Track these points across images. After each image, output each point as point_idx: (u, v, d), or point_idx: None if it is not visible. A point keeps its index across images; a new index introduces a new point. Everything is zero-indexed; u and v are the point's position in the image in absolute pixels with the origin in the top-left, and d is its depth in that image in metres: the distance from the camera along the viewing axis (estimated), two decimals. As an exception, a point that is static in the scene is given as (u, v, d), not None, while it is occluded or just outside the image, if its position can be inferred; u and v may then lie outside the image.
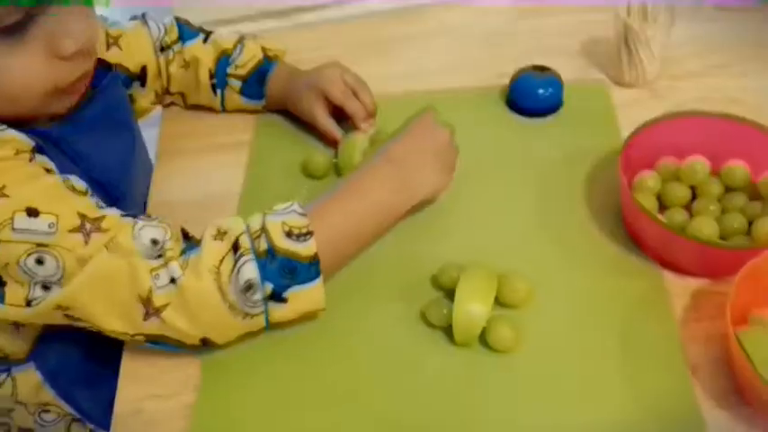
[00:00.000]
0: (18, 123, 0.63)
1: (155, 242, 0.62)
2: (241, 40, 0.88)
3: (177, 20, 0.90)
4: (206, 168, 0.85)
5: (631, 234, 0.72)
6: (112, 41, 0.83)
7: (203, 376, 0.66)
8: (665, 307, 0.67)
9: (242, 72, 0.87)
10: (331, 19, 1.08)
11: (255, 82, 0.87)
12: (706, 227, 0.68)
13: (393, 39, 1.00)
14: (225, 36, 0.88)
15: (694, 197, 0.73)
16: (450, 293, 0.66)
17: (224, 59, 0.87)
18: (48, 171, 0.63)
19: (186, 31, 0.89)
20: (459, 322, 0.64)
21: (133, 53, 0.85)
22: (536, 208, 0.76)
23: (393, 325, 0.68)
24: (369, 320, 0.69)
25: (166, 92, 0.90)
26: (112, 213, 0.63)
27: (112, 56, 0.82)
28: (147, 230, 0.62)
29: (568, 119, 0.85)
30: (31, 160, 0.63)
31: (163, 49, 0.87)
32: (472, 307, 0.64)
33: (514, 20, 1.00)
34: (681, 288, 0.68)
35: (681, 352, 0.63)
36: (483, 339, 0.65)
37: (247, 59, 0.87)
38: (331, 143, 0.84)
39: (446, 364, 0.65)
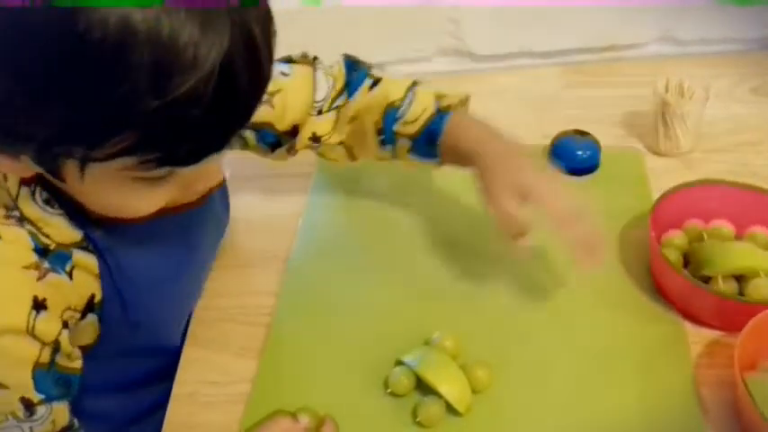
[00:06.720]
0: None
1: None
2: (412, 87, 0.78)
3: (347, 59, 0.80)
4: (272, 191, 0.94)
5: (657, 286, 0.78)
6: (265, 99, 0.66)
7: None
8: (682, 352, 0.72)
9: (410, 130, 0.76)
10: (394, 76, 1.18)
11: (425, 143, 0.76)
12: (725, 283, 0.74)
13: (448, 97, 1.08)
14: (395, 82, 0.79)
15: (717, 258, 0.79)
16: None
17: (391, 113, 0.77)
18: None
19: (353, 80, 0.79)
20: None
21: (286, 112, 0.76)
22: (569, 256, 0.83)
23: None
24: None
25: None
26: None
27: (260, 115, 0.66)
28: None
29: (604, 180, 0.92)
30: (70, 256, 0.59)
31: (321, 113, 0.78)
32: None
33: (562, 88, 1.09)
34: (698, 336, 0.74)
35: (695, 394, 0.69)
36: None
37: (418, 114, 0.76)
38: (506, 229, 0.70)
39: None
